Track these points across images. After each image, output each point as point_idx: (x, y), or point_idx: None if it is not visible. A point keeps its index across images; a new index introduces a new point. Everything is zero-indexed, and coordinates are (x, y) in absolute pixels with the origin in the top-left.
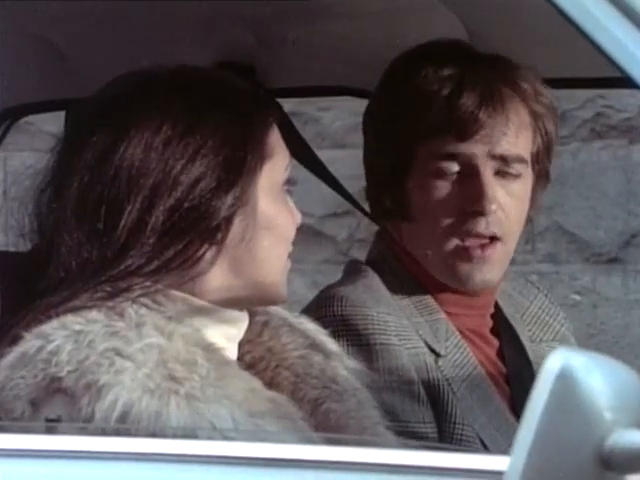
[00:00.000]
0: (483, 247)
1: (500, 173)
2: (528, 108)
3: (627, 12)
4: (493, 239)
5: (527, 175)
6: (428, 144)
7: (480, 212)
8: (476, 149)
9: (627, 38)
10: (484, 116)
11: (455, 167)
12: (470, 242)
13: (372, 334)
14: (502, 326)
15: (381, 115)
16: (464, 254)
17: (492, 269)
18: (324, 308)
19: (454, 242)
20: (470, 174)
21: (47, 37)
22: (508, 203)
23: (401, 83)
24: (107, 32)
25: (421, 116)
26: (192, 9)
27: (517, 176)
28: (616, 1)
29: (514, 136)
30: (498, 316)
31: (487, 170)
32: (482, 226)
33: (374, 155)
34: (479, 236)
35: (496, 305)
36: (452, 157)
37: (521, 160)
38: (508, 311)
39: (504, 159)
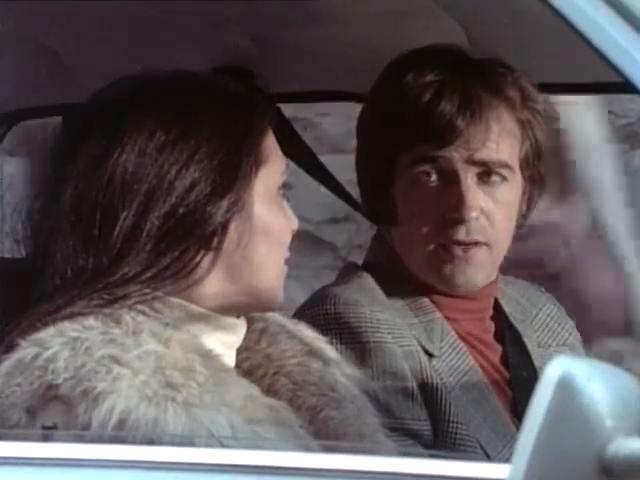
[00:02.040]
0: (465, 248)
1: (483, 179)
2: (514, 115)
3: (628, 16)
4: (476, 244)
5: (515, 180)
6: (411, 150)
7: (460, 219)
8: (455, 156)
9: (628, 43)
10: (462, 123)
11: (435, 174)
12: (453, 247)
13: (365, 332)
14: (506, 331)
15: (369, 120)
16: (446, 255)
17: (475, 271)
18: (317, 307)
19: (436, 246)
20: (450, 181)
21: (45, 42)
22: (492, 209)
23: (388, 89)
24: (105, 37)
25: (404, 122)
26: (191, 14)
27: (502, 182)
28: (617, 5)
29: (496, 142)
30: (502, 321)
31: (467, 177)
32: (462, 233)
33: (364, 159)
34: (460, 243)
35: (500, 310)
36: (432, 164)
37: (505, 166)
38: (515, 317)
39: (486, 165)
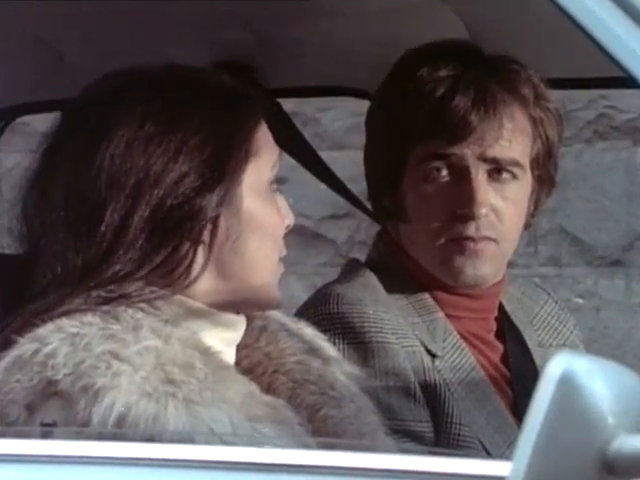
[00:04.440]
0: (476, 242)
1: (494, 176)
2: (527, 113)
3: (630, 11)
4: (486, 239)
5: (525, 179)
6: (422, 145)
7: (470, 216)
8: (467, 152)
9: (630, 37)
10: (475, 119)
11: (447, 169)
12: (462, 242)
13: (368, 332)
14: (508, 331)
15: (379, 115)
16: (456, 248)
17: (484, 265)
18: (320, 306)
19: (446, 240)
20: (461, 177)
21: (44, 37)
22: (502, 206)
23: (399, 83)
24: (105, 32)
25: (416, 117)
26: (191, 9)
27: (512, 180)
28: (619, 0)
29: (508, 140)
30: (504, 320)
31: (479, 173)
32: (472, 229)
33: (373, 155)
34: (470, 239)
35: (502, 309)
36: (444, 159)
37: (516, 164)
38: (517, 316)
39: (497, 162)
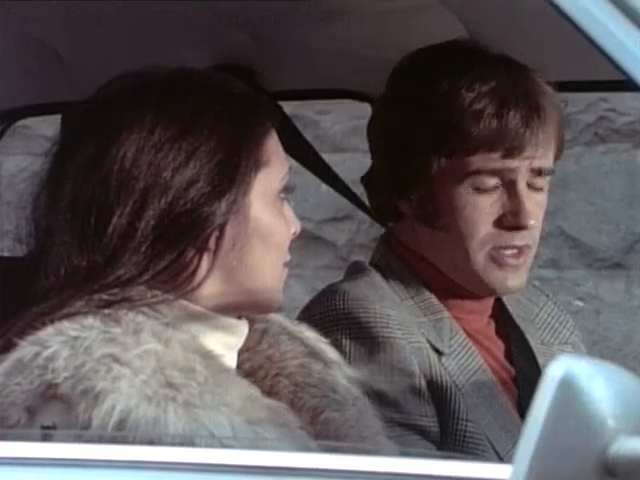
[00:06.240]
0: (517, 255)
1: (531, 185)
2: (559, 122)
3: (630, 14)
4: (528, 248)
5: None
6: (468, 157)
7: (520, 227)
8: (519, 165)
9: (630, 40)
10: (530, 133)
11: (495, 182)
12: (505, 252)
13: (374, 327)
14: (509, 329)
15: (411, 116)
16: (498, 262)
17: (522, 275)
18: (325, 303)
19: (488, 252)
20: (509, 189)
21: (44, 39)
22: (538, 213)
23: (443, 95)
24: (105, 34)
25: (459, 129)
26: (191, 12)
27: (544, 186)
28: (618, 3)
29: (549, 148)
30: (504, 319)
31: (524, 185)
32: (518, 239)
33: (395, 155)
34: (514, 248)
35: (503, 308)
36: (493, 173)
37: (551, 172)
38: (518, 315)
39: (540, 172)
